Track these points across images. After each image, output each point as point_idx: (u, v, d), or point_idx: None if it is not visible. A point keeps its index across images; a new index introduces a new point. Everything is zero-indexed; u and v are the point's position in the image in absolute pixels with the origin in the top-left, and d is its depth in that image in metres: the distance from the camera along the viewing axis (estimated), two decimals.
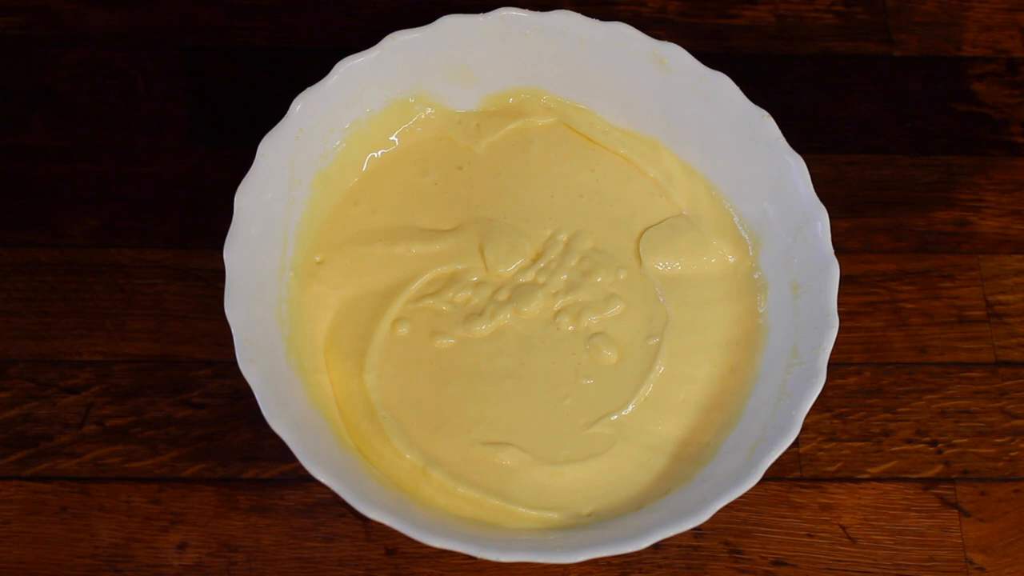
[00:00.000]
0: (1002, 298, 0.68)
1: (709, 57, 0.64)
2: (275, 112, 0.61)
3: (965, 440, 0.65)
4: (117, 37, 0.72)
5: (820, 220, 0.61)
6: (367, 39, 0.63)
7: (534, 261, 0.64)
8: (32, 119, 0.69)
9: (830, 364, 0.58)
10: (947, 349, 0.67)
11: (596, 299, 0.63)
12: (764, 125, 0.63)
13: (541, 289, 0.63)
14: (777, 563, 0.62)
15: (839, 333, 0.59)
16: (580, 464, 0.60)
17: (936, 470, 0.64)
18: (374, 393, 0.61)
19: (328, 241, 0.64)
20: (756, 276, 0.64)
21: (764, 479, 0.56)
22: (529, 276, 0.64)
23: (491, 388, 0.61)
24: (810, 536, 0.63)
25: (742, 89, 0.63)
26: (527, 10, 0.64)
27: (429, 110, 0.66)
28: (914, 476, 0.64)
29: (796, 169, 0.62)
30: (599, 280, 0.64)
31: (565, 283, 0.63)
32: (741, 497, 0.55)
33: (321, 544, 0.61)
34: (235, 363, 0.56)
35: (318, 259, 0.63)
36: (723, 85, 0.64)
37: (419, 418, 0.60)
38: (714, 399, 0.62)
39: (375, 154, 0.66)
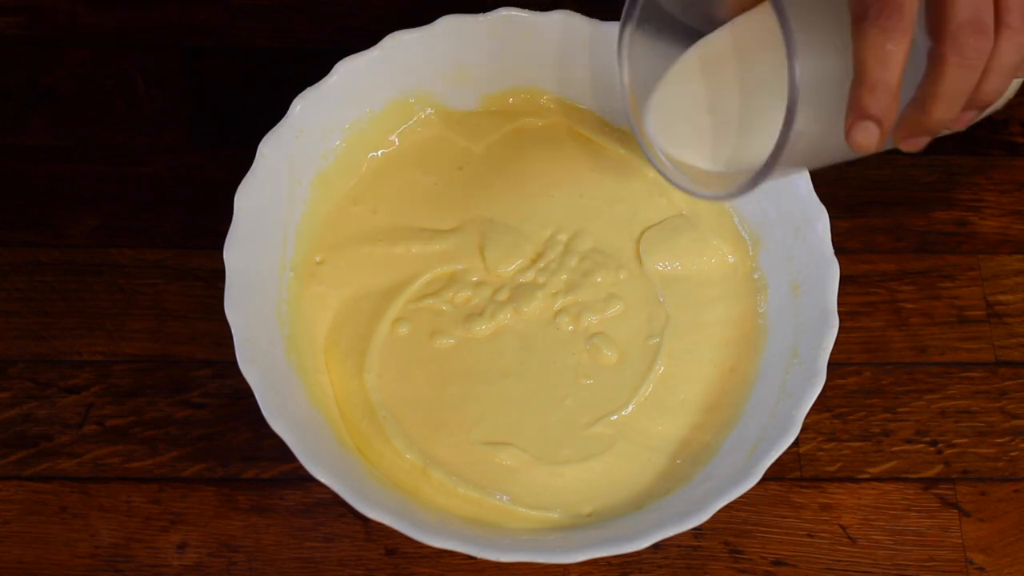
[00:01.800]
0: (1002, 298, 0.68)
1: None
2: (275, 112, 0.61)
3: (965, 440, 0.65)
4: (117, 37, 0.72)
5: (820, 220, 0.61)
6: (367, 39, 0.63)
7: (534, 261, 0.64)
8: (32, 119, 0.69)
9: (830, 364, 0.58)
10: (947, 349, 0.67)
11: (596, 299, 0.63)
12: None
13: (541, 289, 0.63)
14: (777, 563, 0.62)
15: (839, 333, 0.59)
16: (580, 464, 0.60)
17: (936, 470, 0.64)
18: (374, 393, 0.61)
19: (328, 241, 0.64)
20: (756, 276, 0.64)
21: (764, 479, 0.56)
22: (529, 276, 0.64)
23: (491, 388, 0.61)
24: (810, 536, 0.63)
25: None
26: (527, 10, 0.64)
27: (429, 110, 0.66)
28: (914, 476, 0.64)
29: None
30: (599, 280, 0.64)
31: (565, 283, 0.63)
32: (741, 497, 0.55)
33: (321, 544, 0.61)
34: (235, 363, 0.56)
35: (318, 259, 0.63)
36: None
37: (419, 418, 0.60)
38: (714, 399, 0.62)
39: (375, 154, 0.66)
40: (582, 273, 0.64)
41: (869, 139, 0.48)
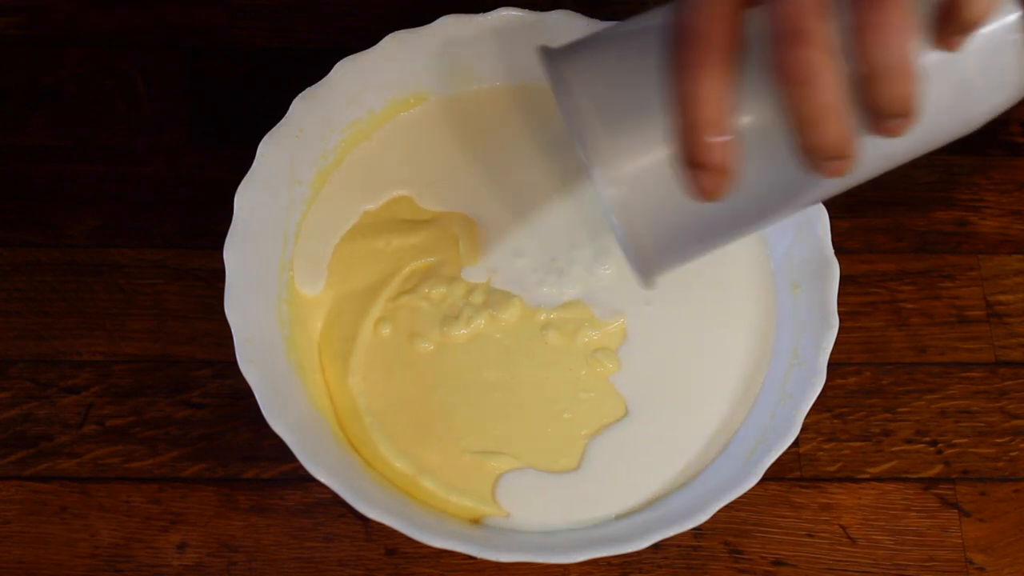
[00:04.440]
0: (1002, 298, 0.68)
1: None
2: (275, 112, 0.61)
3: (965, 440, 0.65)
4: (117, 37, 0.72)
5: (820, 220, 0.61)
6: (367, 39, 0.63)
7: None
8: (32, 119, 0.69)
9: (830, 364, 0.58)
10: (947, 349, 0.67)
11: (595, 314, 0.62)
12: None
13: (516, 296, 0.62)
14: (777, 563, 0.62)
15: (839, 333, 0.59)
16: (579, 471, 0.60)
17: (936, 470, 0.64)
18: (360, 397, 0.60)
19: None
20: None
21: (764, 479, 0.56)
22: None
23: (479, 398, 0.60)
24: (810, 536, 0.63)
25: None
26: (527, 10, 0.64)
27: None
28: (914, 476, 0.64)
29: None
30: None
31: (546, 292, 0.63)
32: (741, 497, 0.55)
33: (321, 544, 0.61)
34: (235, 363, 0.56)
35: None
36: None
37: (406, 423, 0.60)
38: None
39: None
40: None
41: (705, 190, 0.43)
